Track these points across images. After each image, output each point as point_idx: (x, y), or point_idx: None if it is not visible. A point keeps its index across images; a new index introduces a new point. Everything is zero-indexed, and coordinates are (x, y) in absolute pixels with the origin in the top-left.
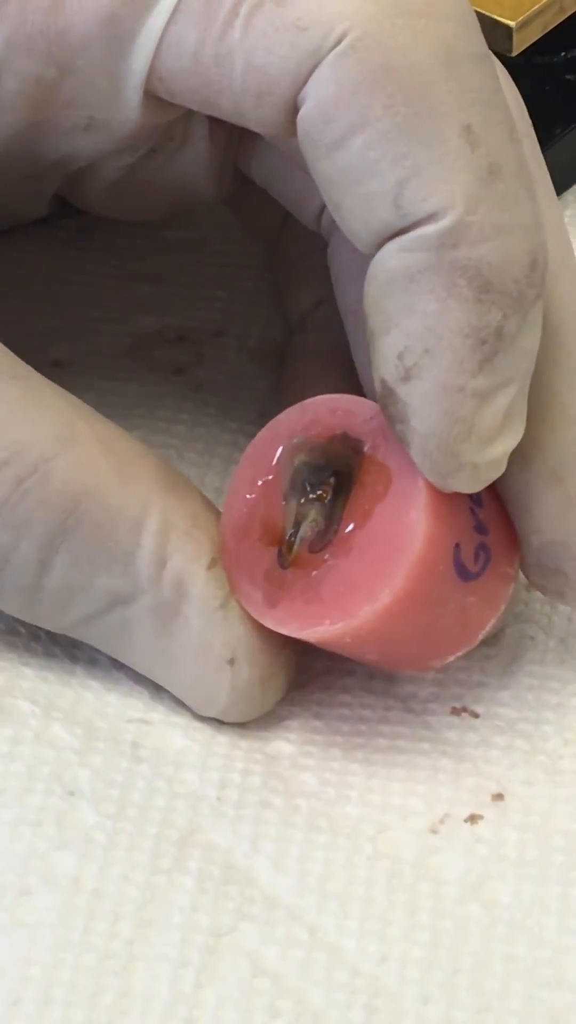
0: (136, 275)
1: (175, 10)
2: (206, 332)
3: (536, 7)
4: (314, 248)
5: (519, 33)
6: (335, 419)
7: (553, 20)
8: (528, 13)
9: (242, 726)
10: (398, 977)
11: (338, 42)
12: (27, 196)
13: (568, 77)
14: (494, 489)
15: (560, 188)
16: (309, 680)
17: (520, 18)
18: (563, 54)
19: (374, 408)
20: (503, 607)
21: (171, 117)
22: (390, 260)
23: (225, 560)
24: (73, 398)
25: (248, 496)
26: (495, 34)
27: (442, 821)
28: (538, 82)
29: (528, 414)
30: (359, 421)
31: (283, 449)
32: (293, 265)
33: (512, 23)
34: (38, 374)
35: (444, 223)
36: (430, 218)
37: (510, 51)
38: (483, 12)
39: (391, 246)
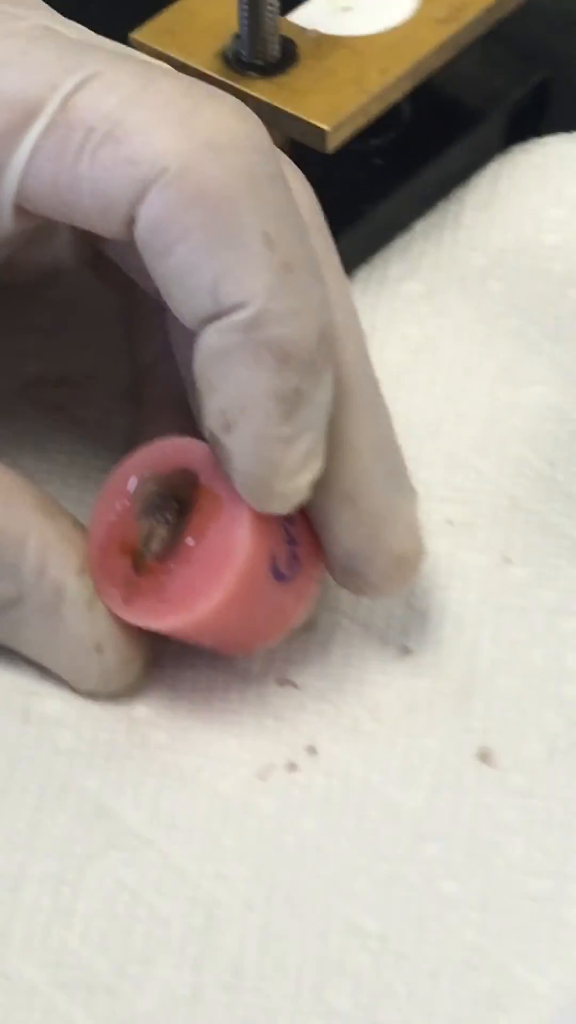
0: (23, 327)
1: (35, 148)
2: (81, 375)
3: (347, 113)
4: (156, 310)
5: (333, 135)
6: (177, 457)
7: (361, 122)
8: (341, 119)
9: (109, 697)
10: (229, 891)
11: (162, 173)
12: None
13: (375, 161)
14: (302, 510)
15: (368, 254)
16: (163, 660)
17: (334, 123)
18: (372, 142)
19: (207, 448)
20: (311, 602)
21: (39, 223)
22: (210, 338)
23: (91, 568)
24: None
25: (109, 518)
26: (314, 135)
27: (267, 769)
28: (350, 166)
29: (326, 452)
30: (196, 458)
31: (136, 480)
32: (139, 324)
33: (327, 127)
34: None
35: (250, 311)
36: (239, 307)
37: (325, 149)
38: (301, 117)
39: (210, 328)
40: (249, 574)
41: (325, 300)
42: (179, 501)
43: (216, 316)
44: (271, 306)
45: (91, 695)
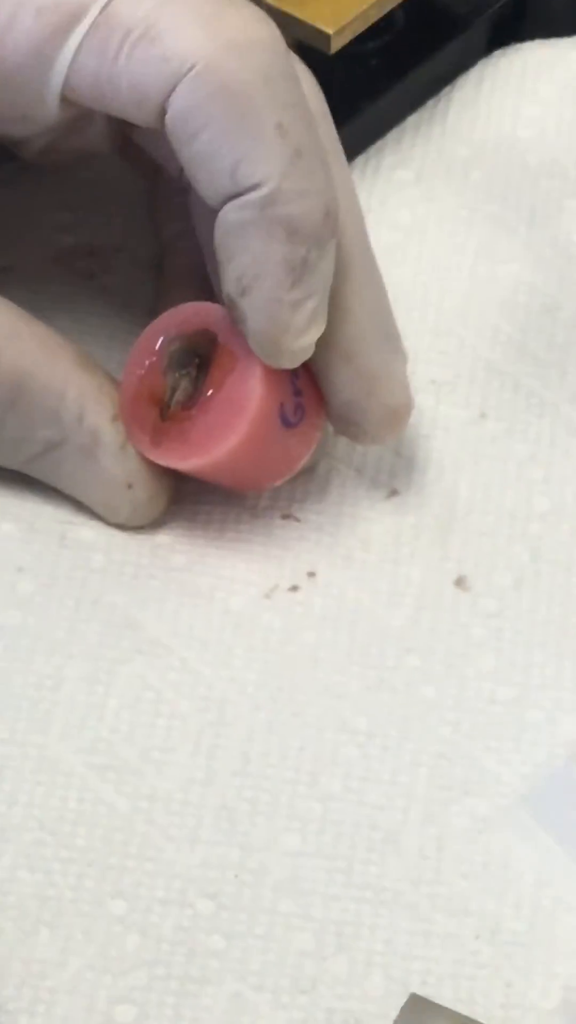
0: (58, 204)
1: (80, 46)
2: (110, 248)
3: (348, 19)
4: (178, 191)
5: (335, 38)
6: (198, 319)
7: (361, 27)
8: (343, 23)
9: (136, 528)
10: (239, 692)
11: (190, 69)
12: None
13: (372, 62)
14: (307, 366)
15: (365, 145)
16: (183, 498)
17: (336, 27)
18: (369, 44)
19: (224, 311)
20: (314, 447)
21: (80, 112)
22: (230, 214)
23: (123, 416)
24: (14, 306)
25: (139, 372)
26: (318, 38)
27: (273, 589)
28: (350, 65)
29: (328, 315)
30: (214, 320)
31: (163, 340)
32: (163, 203)
33: (330, 31)
34: None
35: (264, 190)
36: (255, 187)
37: (329, 50)
38: (308, 21)
39: (230, 205)
40: (260, 419)
41: (330, 182)
42: (200, 358)
43: (235, 195)
44: (283, 186)
45: (120, 527)
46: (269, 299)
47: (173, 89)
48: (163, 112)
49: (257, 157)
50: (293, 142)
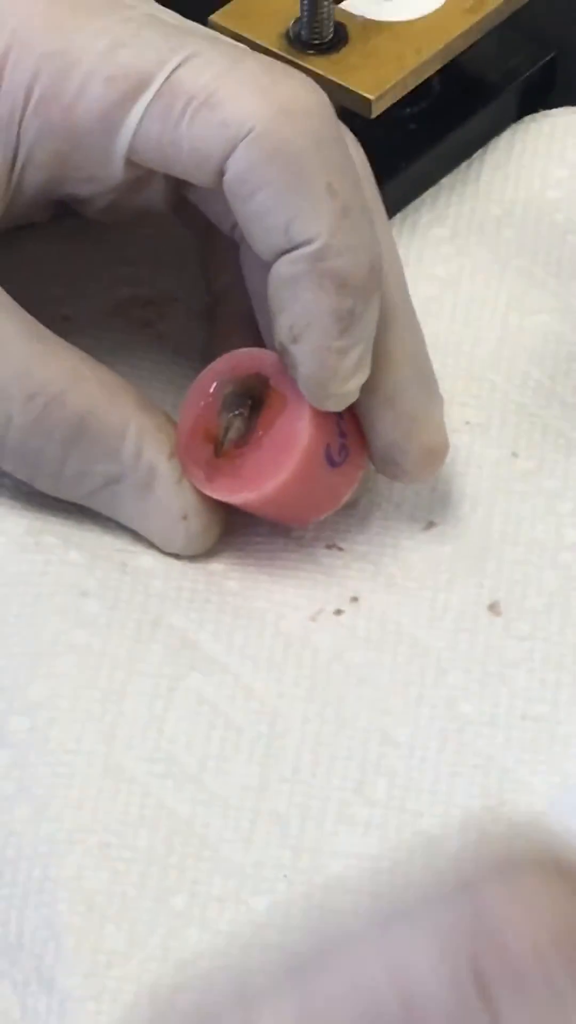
0: (117, 258)
1: (145, 112)
2: (165, 299)
3: (388, 86)
4: (229, 246)
5: (376, 103)
6: (251, 363)
7: (400, 94)
8: (383, 90)
9: (191, 556)
10: (289, 706)
11: (248, 133)
12: (43, 208)
13: (410, 126)
14: (352, 410)
15: (404, 203)
16: (235, 529)
17: (377, 93)
18: (407, 110)
19: (274, 356)
20: (356, 485)
21: (142, 172)
22: (282, 268)
23: (179, 453)
24: (78, 350)
25: (194, 412)
26: (360, 104)
27: (319, 612)
28: (390, 129)
29: (372, 362)
30: (266, 365)
31: (217, 383)
32: (215, 257)
33: (372, 96)
34: (53, 334)
35: (316, 245)
36: (307, 242)
37: (370, 115)
38: (351, 88)
39: (283, 259)
40: (308, 458)
41: (375, 238)
42: (252, 400)
43: (288, 249)
44: (332, 242)
45: (176, 556)
46: (318, 347)
47: (232, 152)
48: (222, 173)
49: (309, 215)
50: (341, 201)
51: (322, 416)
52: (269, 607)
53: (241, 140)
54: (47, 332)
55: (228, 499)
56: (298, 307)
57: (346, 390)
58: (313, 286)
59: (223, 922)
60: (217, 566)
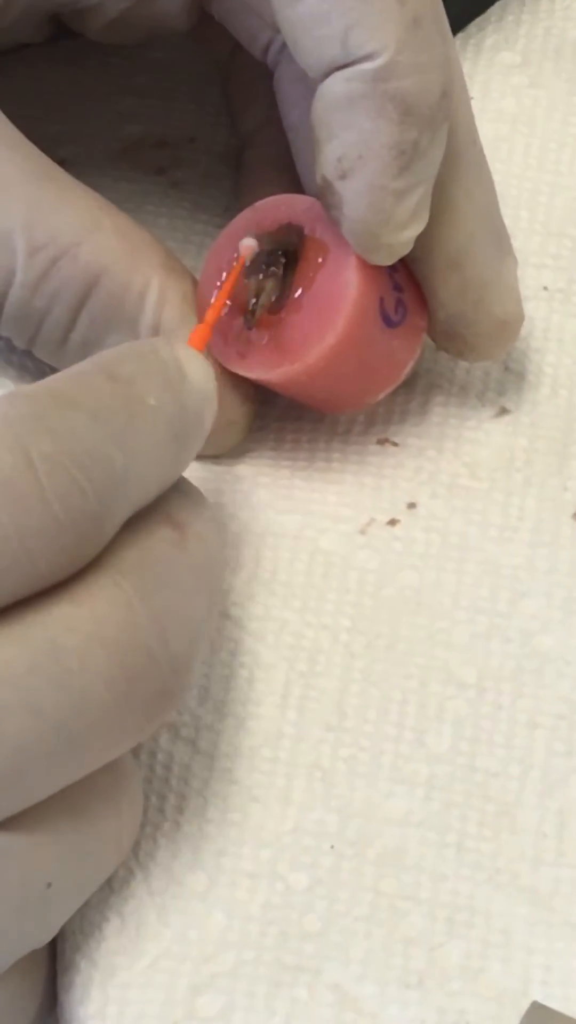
0: (124, 89)
1: None
2: (182, 138)
3: None
4: (259, 76)
5: None
6: (280, 212)
7: None
8: None
9: (216, 456)
10: (332, 640)
11: None
12: (36, 27)
13: None
14: (404, 260)
15: (464, 22)
16: (266, 425)
17: None
18: None
19: (310, 200)
20: (418, 351)
21: None
22: (336, 86)
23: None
24: (96, 194)
25: (217, 282)
26: None
27: (368, 525)
28: None
29: (432, 215)
30: (299, 211)
31: (242, 242)
32: (242, 89)
33: None
34: (66, 174)
35: (379, 62)
36: (368, 57)
37: None
38: None
39: (337, 76)
40: (359, 315)
41: (449, 58)
42: (286, 255)
43: (343, 65)
44: (400, 58)
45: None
46: (372, 184)
47: None
48: None
49: (372, 23)
50: (412, 9)
51: (372, 266)
52: (307, 521)
53: None
54: (59, 171)
55: (266, 378)
56: (351, 135)
57: (401, 239)
58: (372, 110)
59: (255, 906)
60: (244, 470)
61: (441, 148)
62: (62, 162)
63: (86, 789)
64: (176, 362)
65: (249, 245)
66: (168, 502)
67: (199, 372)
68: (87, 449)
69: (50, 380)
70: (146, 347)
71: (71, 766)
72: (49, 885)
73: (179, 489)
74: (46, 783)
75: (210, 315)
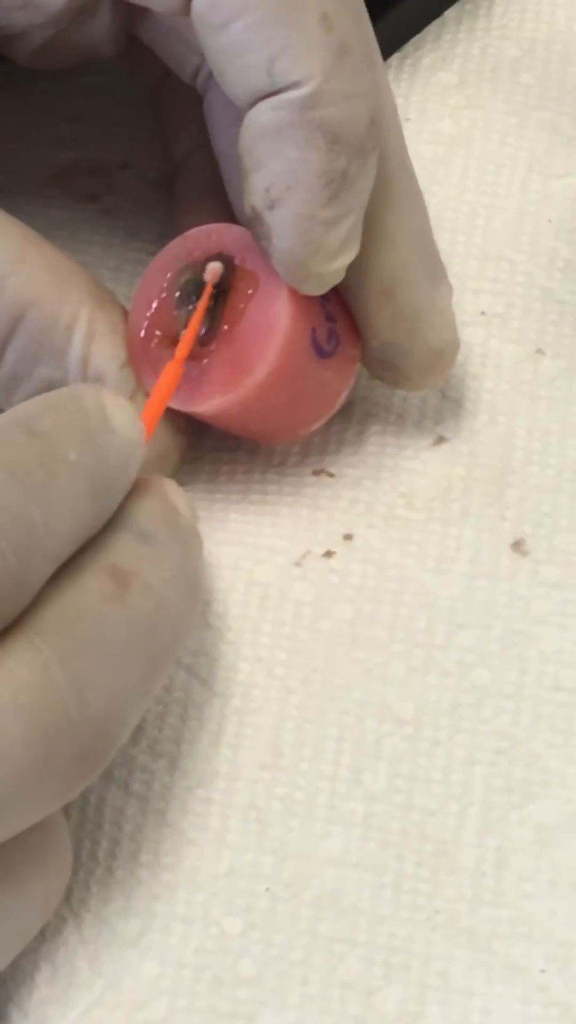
0: (56, 114)
1: None
2: (115, 164)
3: None
4: (190, 101)
5: None
6: (210, 243)
7: None
8: None
9: None
10: (267, 674)
11: None
12: None
13: None
14: (336, 290)
15: (400, 42)
16: (200, 456)
17: None
18: None
19: (240, 230)
20: (352, 381)
21: None
22: (262, 115)
23: (133, 360)
24: (23, 225)
25: (147, 310)
26: None
27: (304, 556)
28: None
29: (364, 243)
30: (229, 241)
31: (171, 273)
32: (173, 114)
33: None
34: None
35: (305, 90)
36: (294, 85)
37: None
38: None
39: (263, 105)
40: (291, 346)
41: (377, 85)
42: (217, 287)
43: (269, 93)
44: (326, 87)
45: None
46: (301, 214)
47: None
48: None
49: (298, 52)
50: (339, 36)
51: (303, 296)
52: (242, 552)
53: None
54: None
55: (197, 410)
56: (279, 164)
57: (331, 269)
58: (299, 139)
59: (188, 951)
60: None
61: (371, 176)
62: None
63: (11, 849)
64: (101, 411)
65: (215, 269)
66: (115, 550)
67: (126, 421)
68: (5, 507)
69: None
70: (68, 397)
71: None
72: None
73: (139, 532)
74: None
75: (180, 351)
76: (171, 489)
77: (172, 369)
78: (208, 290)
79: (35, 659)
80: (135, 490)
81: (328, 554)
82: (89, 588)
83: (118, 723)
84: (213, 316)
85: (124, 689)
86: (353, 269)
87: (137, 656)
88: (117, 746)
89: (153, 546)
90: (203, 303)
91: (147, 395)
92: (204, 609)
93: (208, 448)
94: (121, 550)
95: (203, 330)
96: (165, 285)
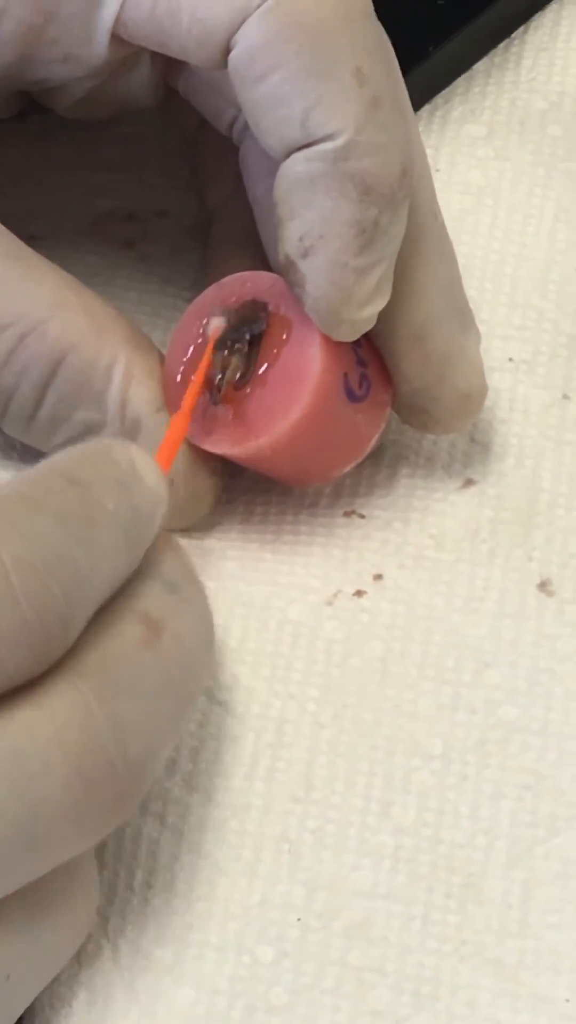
0: (94, 164)
1: None
2: (151, 212)
3: None
4: (226, 150)
5: None
6: (245, 289)
7: None
8: None
9: (184, 530)
10: (299, 710)
11: (261, 3)
12: (5, 102)
13: (439, 1)
14: (368, 337)
15: (430, 94)
16: (234, 498)
17: None
18: None
19: (274, 277)
20: (383, 425)
21: (129, 52)
22: (296, 166)
23: (170, 406)
24: (63, 272)
25: (183, 355)
26: None
27: (335, 595)
28: (415, 6)
29: (395, 291)
30: (263, 288)
31: (207, 319)
32: (209, 163)
33: None
34: (33, 252)
35: (338, 142)
36: (328, 137)
37: None
38: None
39: (297, 156)
40: (324, 391)
41: (408, 137)
42: (252, 333)
43: (304, 145)
44: (359, 138)
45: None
46: (333, 263)
47: (241, 24)
48: (227, 51)
49: (331, 104)
50: (372, 90)
51: (336, 342)
52: (275, 591)
53: (254, 10)
54: (26, 249)
55: (231, 453)
56: (312, 214)
57: (363, 316)
58: (332, 190)
59: (222, 978)
60: (213, 543)
61: (402, 225)
62: (32, 238)
63: (43, 884)
64: (130, 463)
65: (217, 326)
66: (147, 598)
67: (151, 474)
68: (54, 551)
69: (13, 483)
70: (99, 449)
71: (29, 866)
72: (8, 977)
73: (166, 582)
74: (4, 882)
75: (187, 402)
76: (179, 543)
77: (179, 420)
78: (209, 348)
79: (78, 700)
80: (155, 542)
81: (359, 593)
82: (125, 634)
83: (150, 764)
84: (248, 361)
85: (158, 732)
86: (384, 316)
87: (168, 700)
88: (148, 787)
89: (179, 596)
90: (204, 362)
91: (187, 437)
92: (238, 646)
93: (242, 490)
94: (152, 599)
95: (238, 375)
96: (200, 331)
